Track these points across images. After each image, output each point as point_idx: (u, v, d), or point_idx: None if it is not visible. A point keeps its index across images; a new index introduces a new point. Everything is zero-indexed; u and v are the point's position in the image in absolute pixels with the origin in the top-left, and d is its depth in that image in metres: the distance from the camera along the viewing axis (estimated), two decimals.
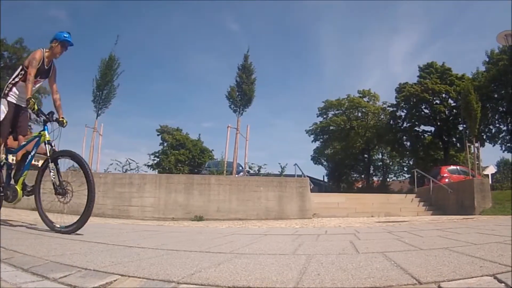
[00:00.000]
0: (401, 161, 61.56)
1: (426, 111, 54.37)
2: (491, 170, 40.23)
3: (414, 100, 52.97)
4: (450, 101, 52.70)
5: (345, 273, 2.34)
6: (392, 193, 38.94)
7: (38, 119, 6.10)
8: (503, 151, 50.53)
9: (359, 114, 60.85)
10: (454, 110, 51.37)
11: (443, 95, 52.55)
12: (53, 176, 5.75)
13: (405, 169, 61.24)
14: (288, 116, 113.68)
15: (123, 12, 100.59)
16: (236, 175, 18.55)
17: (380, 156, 64.10)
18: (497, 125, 50.50)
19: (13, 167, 6.31)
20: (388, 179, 63.08)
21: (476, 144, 22.18)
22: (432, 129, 55.35)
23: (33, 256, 3.01)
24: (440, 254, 2.92)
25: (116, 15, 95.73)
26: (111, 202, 15.05)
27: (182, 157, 57.44)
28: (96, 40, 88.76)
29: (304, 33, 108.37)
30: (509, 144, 49.25)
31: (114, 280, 2.27)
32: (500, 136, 49.90)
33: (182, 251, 3.55)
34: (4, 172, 6.30)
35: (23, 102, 6.21)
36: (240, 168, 21.23)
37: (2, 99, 6.12)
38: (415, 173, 26.84)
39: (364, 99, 60.66)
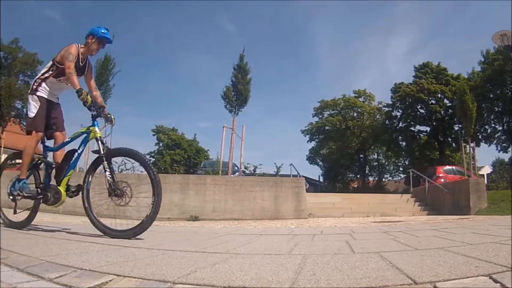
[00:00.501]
0: (396, 161, 61.67)
1: (421, 111, 54.54)
2: (486, 170, 40.39)
3: (410, 100, 53.13)
4: (446, 101, 52.88)
5: (341, 273, 2.35)
6: (387, 193, 39.02)
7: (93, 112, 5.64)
8: (499, 151, 50.66)
9: (355, 114, 60.98)
10: (450, 110, 51.53)
11: (439, 95, 52.73)
12: (109, 176, 5.41)
13: (401, 169, 61.39)
14: (283, 116, 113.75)
15: (119, 12, 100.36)
16: (232, 175, 18.58)
17: (375, 156, 64.25)
18: (493, 125, 50.67)
19: (53, 166, 5.88)
20: (383, 179, 63.20)
21: (472, 144, 22.27)
22: (428, 129, 55.54)
23: (29, 256, 3.01)
24: (435, 254, 2.93)
25: (111, 15, 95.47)
26: (106, 202, 15.03)
27: (178, 157, 57.57)
28: None
29: (299, 33, 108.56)
30: (504, 144, 49.39)
31: (110, 280, 2.26)
32: (496, 136, 50.07)
33: (177, 251, 3.56)
34: (41, 172, 6.01)
35: (55, 97, 6.01)
36: (236, 168, 21.26)
37: (30, 95, 5.77)
38: (411, 173, 26.96)
39: (360, 99, 60.80)
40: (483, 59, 50.12)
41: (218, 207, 14.90)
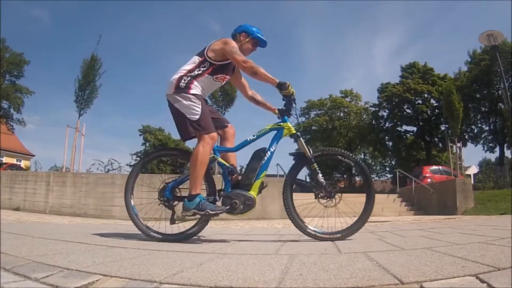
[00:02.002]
0: (383, 161, 62.09)
1: (408, 111, 54.96)
2: (473, 170, 40.55)
3: (396, 100, 53.51)
4: (432, 101, 53.38)
5: (327, 273, 2.36)
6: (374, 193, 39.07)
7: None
8: (485, 151, 51.28)
9: (341, 114, 61.27)
10: (436, 110, 52.00)
11: (425, 95, 53.19)
12: (322, 177, 5.06)
13: (387, 169, 61.82)
14: (270, 117, 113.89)
15: (106, 12, 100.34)
16: (218, 175, 18.56)
17: (362, 156, 64.51)
18: (479, 125, 51.28)
19: (231, 169, 5.14)
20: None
21: (458, 144, 22.37)
22: (414, 129, 56.06)
23: (15, 256, 2.99)
24: (422, 254, 2.94)
25: (98, 15, 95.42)
26: (93, 202, 15.10)
27: (164, 157, 57.37)
28: (78, 40, 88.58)
29: (286, 34, 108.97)
30: (491, 144, 49.85)
31: (96, 280, 2.26)
32: (482, 136, 50.65)
33: (164, 251, 3.56)
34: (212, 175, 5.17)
35: (205, 96, 5.25)
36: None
37: (178, 94, 4.91)
38: (397, 173, 27.09)
39: (346, 99, 61.15)
40: (469, 59, 50.59)
41: None
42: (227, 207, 4.77)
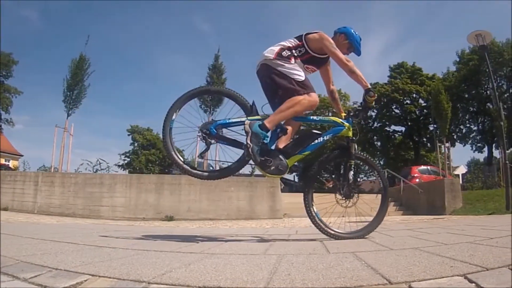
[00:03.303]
0: None
1: (396, 111, 55.13)
2: (461, 170, 40.78)
3: (385, 100, 53.65)
4: (421, 101, 53.60)
5: (316, 273, 2.36)
6: (363, 193, 39.07)
7: None
8: (474, 151, 51.55)
9: (330, 114, 61.24)
10: (425, 110, 52.21)
11: (414, 95, 53.39)
12: (352, 176, 5.20)
13: None
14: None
15: (94, 12, 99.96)
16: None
17: None
18: (468, 125, 51.54)
19: (286, 132, 4.97)
20: (358, 179, 63.51)
21: (447, 144, 22.47)
22: (403, 129, 56.25)
23: (4, 256, 2.97)
24: (410, 254, 2.95)
25: (87, 15, 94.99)
26: (81, 202, 15.10)
27: (153, 157, 57.58)
28: (67, 40, 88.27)
29: (276, 33, 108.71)
30: (479, 144, 50.08)
31: (85, 280, 2.25)
32: (471, 136, 50.89)
33: (152, 251, 3.55)
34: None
35: None
36: (211, 168, 21.16)
37: (284, 60, 4.86)
38: (386, 173, 27.10)
39: None
40: (458, 59, 50.80)
41: (193, 207, 14.96)
42: (263, 159, 4.66)
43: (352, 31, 5.39)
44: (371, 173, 63.36)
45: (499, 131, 19.10)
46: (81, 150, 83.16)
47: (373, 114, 56.27)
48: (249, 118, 4.75)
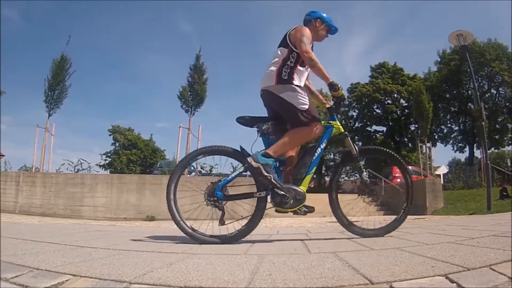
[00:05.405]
0: None
1: (378, 111, 55.51)
2: (442, 170, 40.96)
3: (366, 100, 54.04)
4: (402, 101, 54.03)
5: (297, 273, 2.38)
6: (344, 193, 39.17)
7: None
8: (455, 151, 51.96)
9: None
10: (406, 110, 52.63)
11: (395, 95, 53.79)
12: (366, 175, 5.15)
13: None
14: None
15: (75, 12, 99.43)
16: (188, 175, 18.49)
17: (332, 156, 64.66)
18: (449, 125, 52.02)
19: (285, 162, 4.98)
20: (340, 179, 63.68)
21: (428, 144, 22.58)
22: (384, 129, 56.65)
23: None
24: (391, 254, 2.98)
25: (68, 15, 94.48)
26: (62, 202, 14.98)
27: (134, 157, 57.60)
28: (48, 40, 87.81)
29: (257, 33, 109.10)
30: (461, 144, 50.47)
31: (66, 280, 2.26)
32: (452, 136, 51.34)
33: (133, 251, 3.55)
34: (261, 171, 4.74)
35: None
36: (192, 168, 21.15)
37: (286, 85, 4.80)
38: (367, 173, 27.14)
39: None
40: (439, 59, 51.17)
41: None
42: (277, 201, 4.70)
43: (321, 12, 5.44)
44: (352, 173, 63.98)
45: (480, 131, 19.25)
46: (62, 150, 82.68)
47: (354, 114, 56.52)
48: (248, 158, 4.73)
